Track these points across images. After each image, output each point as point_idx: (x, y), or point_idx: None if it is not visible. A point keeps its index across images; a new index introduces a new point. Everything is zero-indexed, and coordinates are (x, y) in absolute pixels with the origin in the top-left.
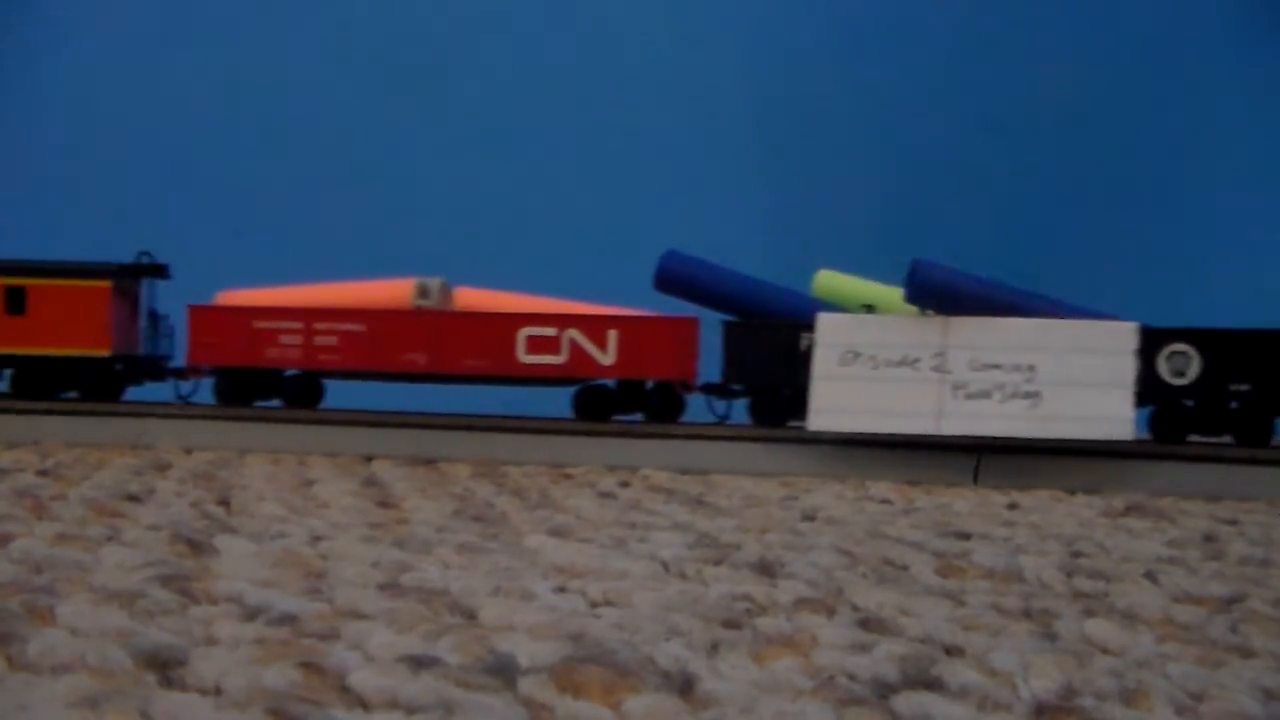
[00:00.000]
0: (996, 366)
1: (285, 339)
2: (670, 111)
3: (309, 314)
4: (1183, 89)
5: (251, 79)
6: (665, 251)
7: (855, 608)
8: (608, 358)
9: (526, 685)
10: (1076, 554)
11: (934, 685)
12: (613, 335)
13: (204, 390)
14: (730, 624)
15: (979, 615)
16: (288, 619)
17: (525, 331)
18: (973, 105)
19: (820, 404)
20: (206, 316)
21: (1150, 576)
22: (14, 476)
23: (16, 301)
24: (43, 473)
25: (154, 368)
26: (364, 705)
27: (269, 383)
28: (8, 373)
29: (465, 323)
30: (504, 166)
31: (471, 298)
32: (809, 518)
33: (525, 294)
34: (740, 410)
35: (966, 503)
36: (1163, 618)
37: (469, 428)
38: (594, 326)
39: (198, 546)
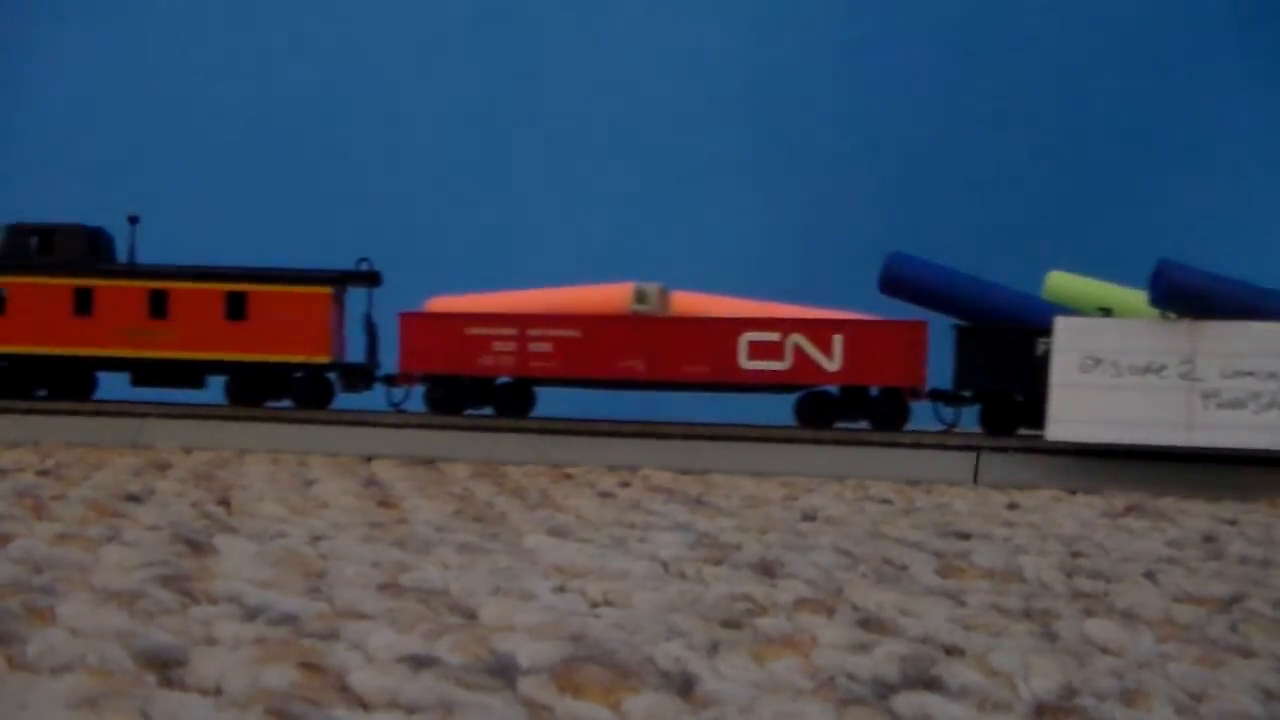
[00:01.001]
0: (1250, 374)
1: (498, 346)
2: (668, 116)
3: (523, 320)
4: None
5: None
6: (890, 253)
7: (855, 608)
8: (833, 363)
9: (526, 685)
10: (1076, 554)
11: (934, 685)
12: (838, 340)
13: (415, 398)
14: (730, 624)
15: (979, 615)
16: (288, 619)
17: (747, 337)
18: (973, 106)
19: (1059, 413)
20: (418, 323)
21: (1150, 576)
22: (14, 476)
23: (237, 307)
24: (43, 473)
25: (366, 375)
26: (364, 705)
27: (481, 391)
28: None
29: (685, 328)
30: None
31: (688, 302)
32: (809, 518)
33: (744, 298)
34: (969, 417)
35: (966, 503)
36: (1163, 618)
37: (469, 428)
38: (819, 331)
39: (198, 546)
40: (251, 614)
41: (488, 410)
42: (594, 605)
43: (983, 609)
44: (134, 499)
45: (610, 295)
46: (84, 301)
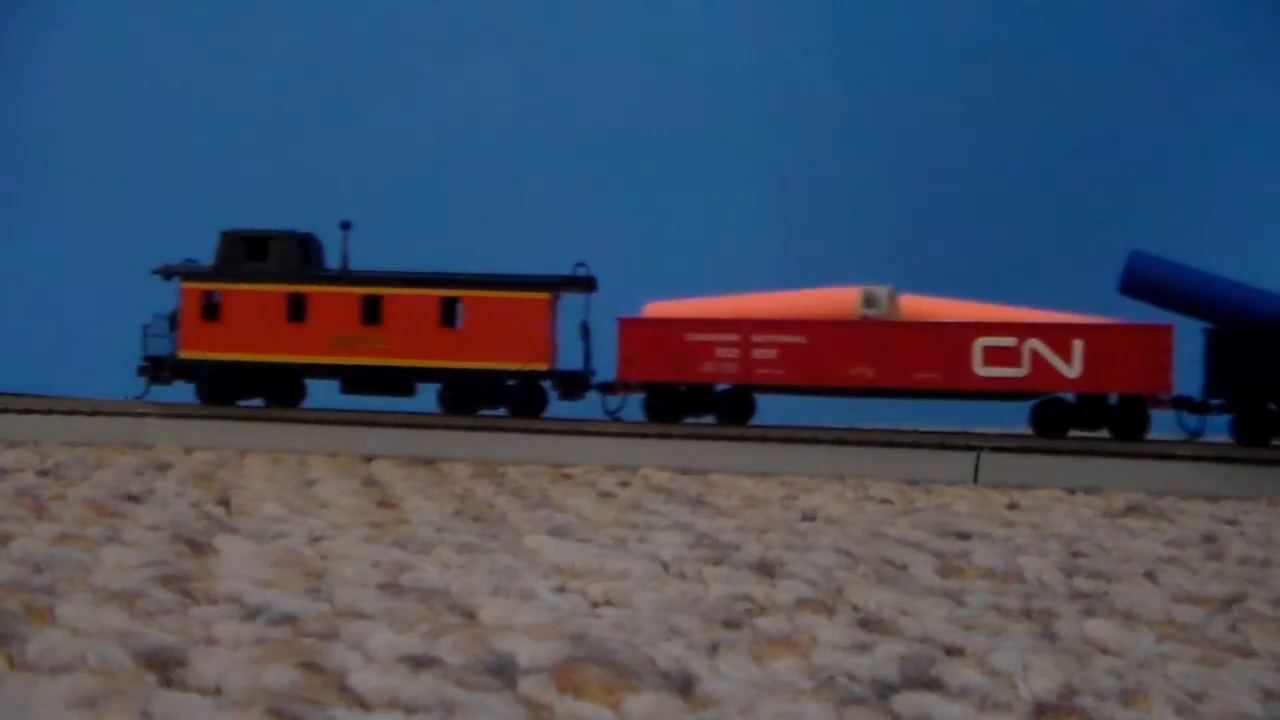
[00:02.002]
0: None
1: (720, 352)
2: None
3: (747, 326)
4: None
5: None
6: (1132, 252)
7: (855, 608)
8: (1072, 370)
9: (526, 685)
10: (1076, 554)
11: (934, 685)
12: (1078, 345)
13: (631, 406)
14: (730, 624)
15: (979, 615)
16: (288, 619)
17: (982, 342)
18: (973, 116)
19: None
20: (636, 329)
21: (1150, 576)
22: (14, 476)
23: (452, 313)
24: (43, 473)
25: (582, 383)
26: (364, 705)
27: (700, 398)
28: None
29: (917, 333)
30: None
31: (917, 305)
32: (809, 518)
33: (975, 301)
34: (1218, 427)
35: (966, 503)
36: (1163, 618)
37: (469, 428)
38: (1058, 336)
39: (198, 546)
40: (251, 614)
41: (708, 418)
42: (594, 605)
43: (983, 609)
44: (134, 499)
45: (836, 299)
46: (297, 308)
